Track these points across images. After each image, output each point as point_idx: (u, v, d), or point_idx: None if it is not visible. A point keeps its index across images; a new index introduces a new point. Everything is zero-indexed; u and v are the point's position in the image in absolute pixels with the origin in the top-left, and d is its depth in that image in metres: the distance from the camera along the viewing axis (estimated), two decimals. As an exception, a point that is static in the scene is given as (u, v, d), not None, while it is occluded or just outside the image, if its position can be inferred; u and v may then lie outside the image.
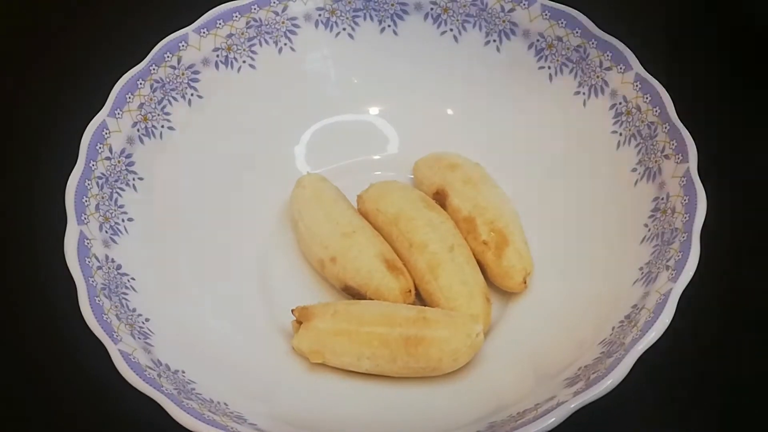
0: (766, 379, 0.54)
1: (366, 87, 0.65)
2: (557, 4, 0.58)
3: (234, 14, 0.60)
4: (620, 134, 0.55)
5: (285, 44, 0.62)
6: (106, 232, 0.51)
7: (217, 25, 0.59)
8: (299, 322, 0.53)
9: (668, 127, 0.52)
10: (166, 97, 0.58)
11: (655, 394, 0.53)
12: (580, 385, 0.43)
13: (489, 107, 0.63)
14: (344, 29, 0.64)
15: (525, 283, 0.55)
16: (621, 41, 0.56)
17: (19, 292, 0.60)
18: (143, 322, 0.49)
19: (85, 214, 0.50)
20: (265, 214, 0.61)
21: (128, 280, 0.50)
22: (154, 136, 0.57)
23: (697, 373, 0.54)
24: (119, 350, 0.44)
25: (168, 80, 0.58)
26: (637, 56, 0.55)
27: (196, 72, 0.59)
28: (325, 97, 0.65)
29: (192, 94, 0.59)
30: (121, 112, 0.54)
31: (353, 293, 0.55)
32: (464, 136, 0.64)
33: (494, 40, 0.61)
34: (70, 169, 0.51)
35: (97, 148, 0.53)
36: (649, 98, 0.53)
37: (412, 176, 0.63)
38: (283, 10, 0.61)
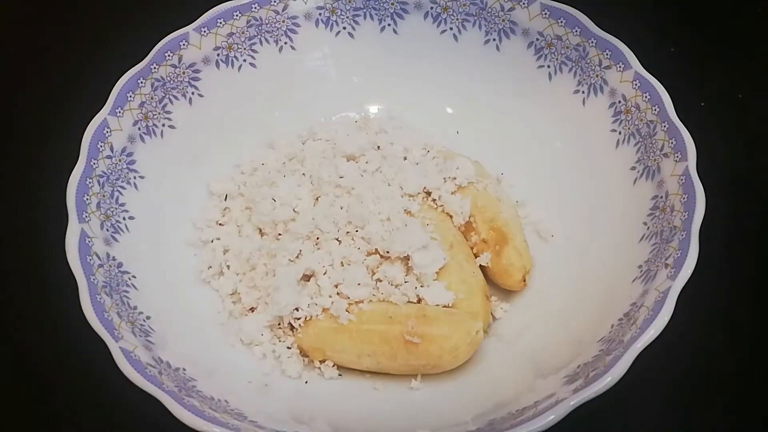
0: (766, 378, 0.54)
1: (366, 85, 0.66)
2: (557, 3, 0.58)
3: (234, 13, 0.60)
4: (619, 133, 0.55)
5: (285, 43, 0.63)
6: (107, 230, 0.51)
7: (218, 24, 0.59)
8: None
9: (667, 126, 0.52)
10: (167, 96, 0.58)
11: (654, 391, 0.53)
12: (580, 382, 0.44)
13: (488, 106, 0.63)
14: (344, 28, 0.64)
15: (524, 281, 0.55)
16: (620, 40, 0.56)
17: (21, 289, 0.60)
18: (144, 320, 0.49)
19: (86, 213, 0.50)
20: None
21: (129, 278, 0.50)
22: (155, 134, 0.57)
23: (697, 371, 0.54)
24: (120, 348, 0.44)
25: (169, 79, 0.58)
26: (636, 55, 0.55)
27: (197, 71, 0.59)
28: (326, 96, 0.65)
29: (193, 93, 0.60)
30: (122, 111, 0.55)
31: None
32: (464, 135, 0.64)
33: (494, 39, 0.61)
34: (71, 167, 0.51)
35: (98, 146, 0.53)
36: (648, 97, 0.53)
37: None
38: (284, 9, 0.61)
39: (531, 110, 0.61)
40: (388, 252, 0.54)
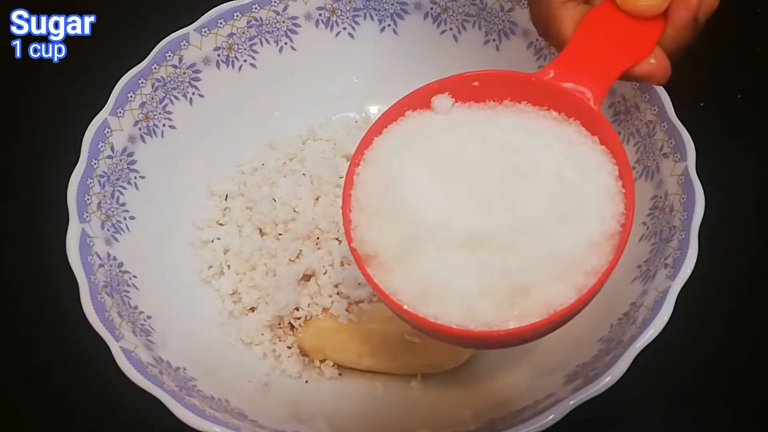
0: (766, 376, 0.54)
1: (366, 86, 0.66)
2: (556, 3, 0.58)
3: (235, 14, 0.60)
4: (619, 133, 0.55)
5: (286, 43, 0.63)
6: (108, 230, 0.51)
7: (218, 25, 0.59)
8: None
9: (667, 126, 0.52)
10: (168, 96, 0.58)
11: (653, 391, 0.53)
12: (579, 382, 0.44)
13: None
14: (344, 29, 0.64)
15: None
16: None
17: (21, 289, 0.60)
18: (145, 320, 0.49)
19: (87, 213, 0.50)
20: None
21: (130, 278, 0.50)
22: (155, 134, 0.57)
23: (696, 371, 0.54)
24: (121, 347, 0.44)
25: (169, 79, 0.58)
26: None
27: (198, 71, 0.59)
28: (326, 96, 0.65)
29: (193, 93, 0.60)
30: (122, 111, 0.55)
31: None
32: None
33: (493, 40, 0.61)
34: (72, 167, 0.51)
35: (99, 146, 0.53)
36: (648, 97, 0.53)
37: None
38: (284, 10, 0.61)
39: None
40: None
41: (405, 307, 0.36)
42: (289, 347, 0.54)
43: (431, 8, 0.62)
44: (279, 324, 0.54)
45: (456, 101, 0.41)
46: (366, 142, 0.41)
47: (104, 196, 0.52)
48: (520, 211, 0.36)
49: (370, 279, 0.37)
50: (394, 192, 0.37)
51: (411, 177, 0.37)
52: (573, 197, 0.36)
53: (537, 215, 0.35)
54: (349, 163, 0.40)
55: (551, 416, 0.41)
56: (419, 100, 0.42)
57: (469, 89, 0.41)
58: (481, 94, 0.42)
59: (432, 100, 0.41)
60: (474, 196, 0.36)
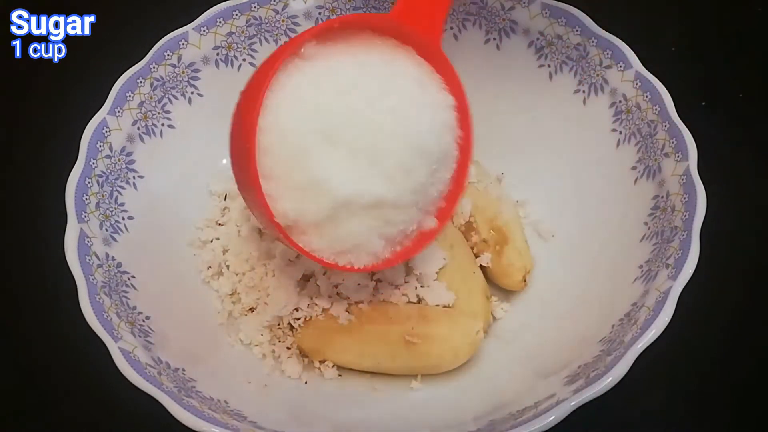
0: (766, 377, 0.54)
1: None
2: (557, 2, 0.58)
3: (234, 12, 0.60)
4: (620, 132, 0.55)
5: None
6: (107, 230, 0.51)
7: (217, 24, 0.59)
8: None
9: (668, 126, 0.51)
10: (167, 96, 0.58)
11: (654, 391, 0.53)
12: (580, 383, 0.43)
13: (488, 105, 0.63)
14: (344, 27, 0.64)
15: (525, 281, 0.55)
16: (621, 39, 0.56)
17: (20, 290, 0.60)
18: (143, 320, 0.49)
19: (85, 213, 0.50)
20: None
21: (128, 278, 0.50)
22: (154, 134, 0.57)
23: (698, 371, 0.54)
24: (120, 348, 0.44)
25: (168, 78, 0.58)
26: (637, 54, 0.55)
27: (197, 70, 0.59)
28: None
29: (192, 93, 0.60)
30: (121, 111, 0.55)
31: None
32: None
33: (494, 39, 0.61)
34: (70, 167, 0.51)
35: (98, 146, 0.53)
36: (649, 96, 0.53)
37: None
38: (283, 9, 0.61)
39: (531, 110, 0.61)
40: None
41: (326, 260, 0.46)
42: (288, 348, 0.53)
43: (431, 7, 0.62)
44: (278, 325, 0.54)
45: (323, 44, 0.45)
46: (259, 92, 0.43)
47: (103, 195, 0.52)
48: (413, 180, 0.45)
49: (295, 244, 0.44)
50: (304, 167, 0.43)
51: (316, 152, 0.43)
52: (442, 163, 0.48)
53: (423, 181, 0.46)
54: None
55: (552, 417, 0.41)
56: (289, 50, 0.44)
57: (332, 33, 0.46)
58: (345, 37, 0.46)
59: (301, 49, 0.44)
60: (375, 166, 0.44)
